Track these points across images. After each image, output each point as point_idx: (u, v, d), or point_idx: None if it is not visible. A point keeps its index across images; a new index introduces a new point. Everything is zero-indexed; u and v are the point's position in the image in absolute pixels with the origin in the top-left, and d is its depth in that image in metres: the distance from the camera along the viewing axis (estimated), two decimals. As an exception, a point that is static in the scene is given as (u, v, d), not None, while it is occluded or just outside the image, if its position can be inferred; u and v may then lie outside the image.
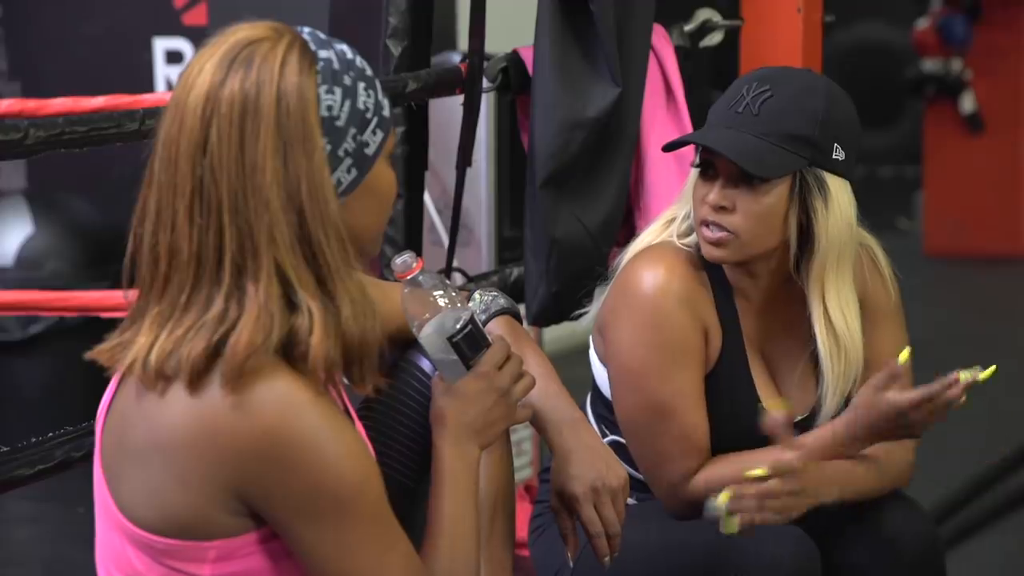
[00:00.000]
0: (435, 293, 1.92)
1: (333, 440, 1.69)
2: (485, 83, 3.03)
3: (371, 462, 1.74)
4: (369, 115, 1.76)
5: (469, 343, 1.92)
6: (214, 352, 1.67)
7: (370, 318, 1.74)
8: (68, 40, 4.95)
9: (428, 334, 1.93)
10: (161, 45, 4.88)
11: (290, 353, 1.69)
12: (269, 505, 1.69)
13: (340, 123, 1.73)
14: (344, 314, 1.71)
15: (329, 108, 1.72)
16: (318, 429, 1.68)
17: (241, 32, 1.73)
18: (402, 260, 1.92)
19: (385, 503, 1.75)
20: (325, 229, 1.70)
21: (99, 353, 1.75)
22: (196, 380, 1.67)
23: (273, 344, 1.68)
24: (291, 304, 1.69)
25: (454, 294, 1.94)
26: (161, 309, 1.70)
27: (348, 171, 1.75)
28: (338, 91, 1.73)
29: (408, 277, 1.92)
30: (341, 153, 1.73)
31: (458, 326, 1.91)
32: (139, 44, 4.88)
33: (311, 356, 1.68)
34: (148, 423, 1.71)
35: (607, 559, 2.11)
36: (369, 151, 1.76)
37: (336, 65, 1.74)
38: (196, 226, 1.68)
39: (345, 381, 1.82)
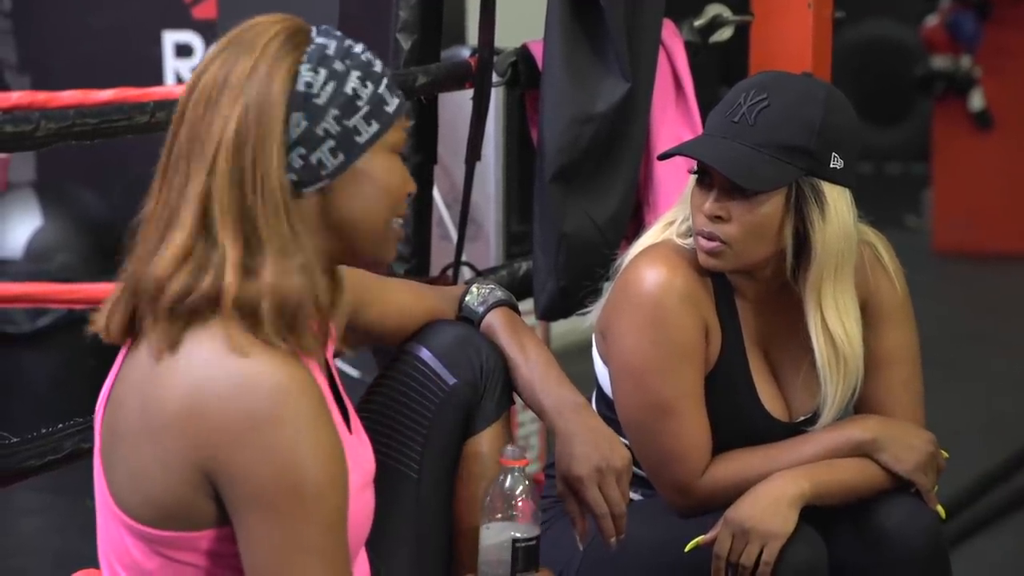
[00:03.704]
0: (521, 496, 2.06)
1: (312, 433, 1.69)
2: (495, 77, 3.03)
3: (343, 472, 1.73)
4: (360, 103, 1.79)
5: (527, 556, 2.05)
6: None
7: (298, 286, 1.75)
8: (77, 33, 4.96)
9: (495, 529, 2.05)
10: (170, 38, 4.89)
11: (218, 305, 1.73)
12: (232, 487, 1.69)
13: (319, 101, 1.77)
14: (271, 272, 1.74)
15: (308, 84, 1.77)
16: (301, 417, 1.69)
17: (251, 21, 1.80)
18: (513, 450, 2.09)
19: (344, 524, 1.73)
20: (264, 193, 1.74)
21: (93, 324, 1.83)
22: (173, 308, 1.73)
23: (190, 283, 1.72)
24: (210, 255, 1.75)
25: (535, 506, 2.07)
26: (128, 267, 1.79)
27: (333, 154, 1.78)
28: (323, 71, 1.78)
29: (509, 466, 2.07)
30: (320, 132, 1.77)
31: (527, 535, 2.05)
32: (148, 37, 4.89)
33: (224, 296, 1.72)
34: (142, 400, 1.73)
35: (613, 540, 2.12)
36: (360, 139, 1.79)
37: (330, 51, 1.79)
38: (162, 189, 1.77)
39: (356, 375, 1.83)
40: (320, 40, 1.79)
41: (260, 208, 1.74)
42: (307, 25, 1.81)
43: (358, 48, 1.81)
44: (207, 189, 1.73)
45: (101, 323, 1.80)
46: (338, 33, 1.82)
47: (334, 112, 1.77)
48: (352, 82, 1.79)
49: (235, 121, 1.74)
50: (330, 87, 1.77)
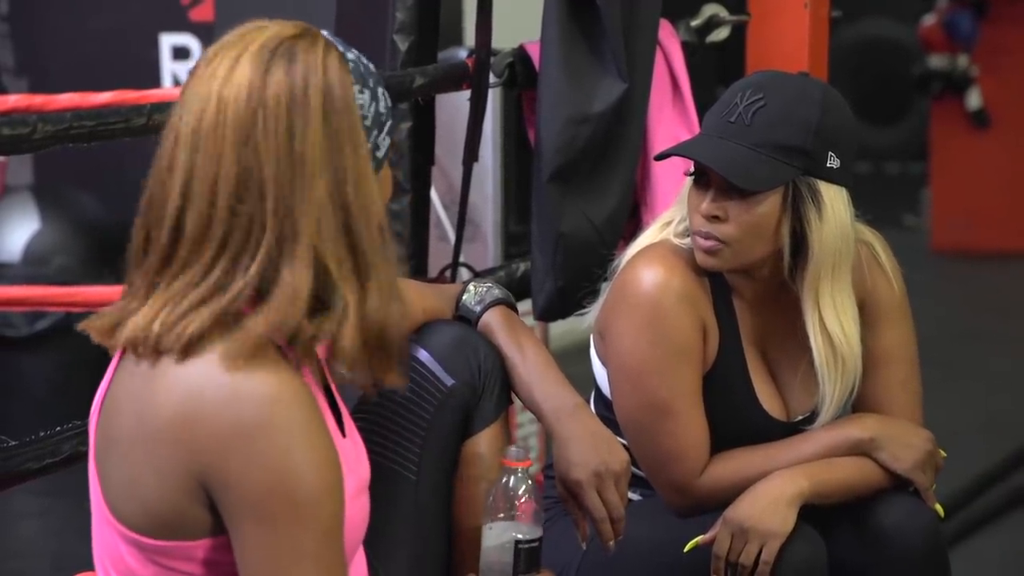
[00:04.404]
0: (523, 497, 2.07)
1: (305, 440, 1.68)
2: (492, 78, 3.03)
3: (338, 478, 1.72)
4: (383, 119, 1.79)
5: (529, 557, 2.05)
6: (211, 327, 1.68)
7: (395, 311, 1.74)
8: (76, 36, 4.96)
9: (497, 529, 2.05)
10: (168, 41, 4.90)
11: (295, 342, 1.70)
12: (227, 495, 1.68)
13: (368, 123, 1.76)
14: (371, 305, 1.72)
15: (361, 106, 1.75)
16: (295, 424, 1.68)
17: (273, 28, 1.74)
18: (516, 451, 2.09)
19: (340, 531, 1.72)
20: (369, 221, 1.72)
21: (91, 326, 1.76)
22: (187, 352, 1.68)
23: (288, 329, 1.68)
24: (318, 299, 1.70)
25: (537, 507, 2.07)
26: (171, 286, 1.71)
27: None
28: (367, 92, 1.76)
29: (512, 467, 2.07)
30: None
31: (529, 536, 2.05)
32: (146, 40, 4.89)
33: (340, 347, 1.70)
34: (137, 407, 1.71)
35: (612, 544, 2.12)
36: (380, 154, 1.79)
37: (361, 68, 1.78)
38: (236, 211, 1.69)
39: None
40: (349, 55, 1.76)
41: (366, 234, 1.71)
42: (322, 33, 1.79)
43: (365, 59, 1.80)
44: (318, 218, 1.68)
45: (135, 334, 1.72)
46: (339, 40, 1.80)
47: (374, 132, 1.77)
48: (380, 99, 1.78)
49: (332, 150, 1.69)
50: (372, 107, 1.76)
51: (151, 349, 1.70)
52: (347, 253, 1.71)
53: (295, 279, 1.68)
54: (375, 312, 1.72)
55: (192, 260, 1.70)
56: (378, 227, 1.72)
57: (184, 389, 1.68)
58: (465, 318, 2.24)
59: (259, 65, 1.70)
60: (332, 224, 1.69)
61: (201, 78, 1.72)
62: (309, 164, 1.69)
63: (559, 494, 2.15)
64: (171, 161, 1.72)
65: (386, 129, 1.79)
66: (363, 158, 1.72)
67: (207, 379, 1.68)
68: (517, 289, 3.07)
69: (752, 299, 2.44)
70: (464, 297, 2.25)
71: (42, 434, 2.42)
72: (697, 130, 3.02)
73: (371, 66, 1.80)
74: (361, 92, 1.75)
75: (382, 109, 1.78)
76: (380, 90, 1.78)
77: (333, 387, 1.90)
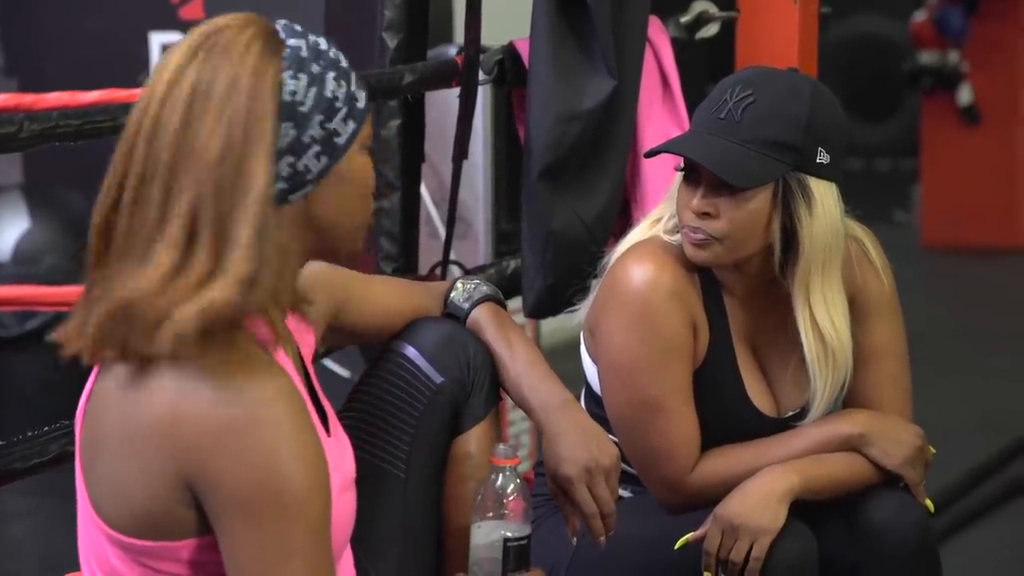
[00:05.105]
0: (512, 495, 2.06)
1: (293, 438, 1.68)
2: (481, 76, 3.03)
3: (325, 478, 1.72)
4: (339, 104, 1.77)
5: (518, 555, 2.05)
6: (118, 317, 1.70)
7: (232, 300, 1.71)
8: (65, 36, 4.95)
9: (486, 528, 2.05)
10: (157, 40, 4.89)
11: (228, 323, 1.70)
12: (214, 494, 1.67)
13: (304, 108, 1.74)
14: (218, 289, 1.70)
15: (293, 93, 1.74)
16: (282, 422, 1.67)
17: (210, 23, 1.76)
18: (504, 449, 2.08)
19: (327, 529, 1.72)
20: (238, 203, 1.70)
21: (62, 342, 1.81)
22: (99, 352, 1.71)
23: (161, 307, 1.67)
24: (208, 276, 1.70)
25: (526, 506, 2.07)
26: (95, 279, 1.74)
27: (317, 158, 1.76)
28: (304, 77, 1.75)
29: (500, 465, 2.07)
30: (307, 139, 1.75)
31: (518, 534, 2.05)
32: (136, 39, 4.88)
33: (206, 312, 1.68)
34: (123, 406, 1.71)
35: (602, 539, 2.12)
36: (340, 140, 1.77)
37: (304, 53, 1.76)
38: (139, 202, 1.71)
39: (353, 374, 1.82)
40: (292, 42, 1.76)
41: (237, 223, 1.69)
42: (273, 24, 1.78)
43: (324, 45, 1.79)
44: (196, 205, 1.69)
45: (72, 343, 1.77)
46: (299, 28, 1.79)
47: (319, 118, 1.75)
48: (330, 84, 1.76)
49: (222, 136, 1.69)
50: (312, 92, 1.75)
51: (95, 347, 1.74)
52: (214, 231, 1.69)
53: (163, 256, 1.69)
54: (223, 295, 1.69)
55: (112, 253, 1.73)
56: (254, 217, 1.69)
57: (171, 388, 1.68)
58: (454, 315, 2.23)
59: (183, 60, 1.73)
60: (210, 202, 1.69)
61: (151, 78, 1.76)
62: (196, 152, 1.69)
63: (549, 490, 2.15)
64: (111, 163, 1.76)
65: (343, 114, 1.76)
66: (260, 146, 1.70)
67: (194, 378, 1.67)
68: (507, 287, 3.06)
69: (742, 295, 2.44)
70: (452, 294, 2.24)
71: (30, 434, 2.42)
72: (687, 127, 3.02)
73: (328, 51, 1.78)
74: (295, 78, 1.74)
75: (330, 94, 1.76)
76: (331, 74, 1.76)
77: (317, 386, 1.90)
